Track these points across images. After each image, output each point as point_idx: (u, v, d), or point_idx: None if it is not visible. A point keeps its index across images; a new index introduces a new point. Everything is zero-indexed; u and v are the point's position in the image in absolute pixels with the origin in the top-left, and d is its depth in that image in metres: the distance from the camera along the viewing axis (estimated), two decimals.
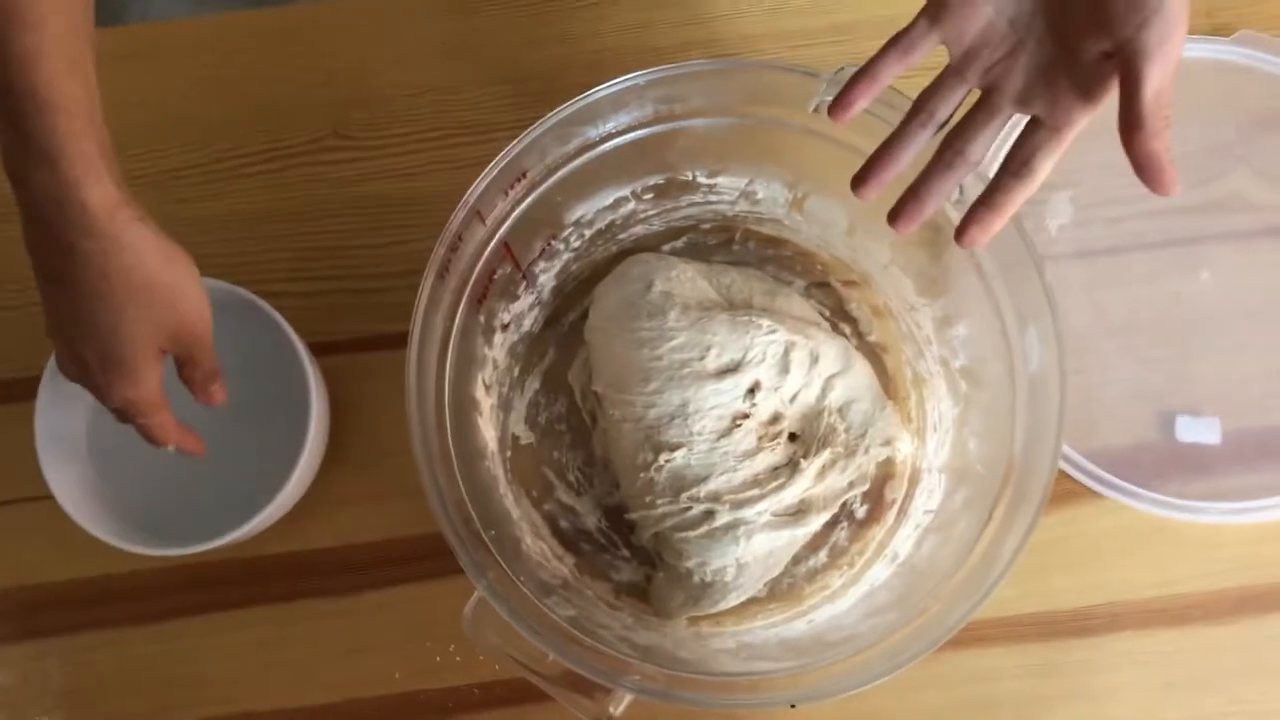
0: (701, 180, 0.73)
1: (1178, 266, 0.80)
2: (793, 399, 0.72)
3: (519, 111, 0.82)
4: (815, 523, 0.73)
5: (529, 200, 0.66)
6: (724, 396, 0.70)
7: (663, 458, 0.70)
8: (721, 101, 0.67)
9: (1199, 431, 0.77)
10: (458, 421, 0.64)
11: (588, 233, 0.74)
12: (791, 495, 0.71)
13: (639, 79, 0.63)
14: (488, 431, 0.72)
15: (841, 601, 0.71)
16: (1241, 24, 0.82)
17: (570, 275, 0.77)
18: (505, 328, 0.73)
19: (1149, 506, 0.75)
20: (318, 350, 0.76)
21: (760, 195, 0.74)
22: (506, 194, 0.65)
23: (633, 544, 0.75)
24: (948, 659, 0.74)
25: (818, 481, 0.72)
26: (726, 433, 0.70)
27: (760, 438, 0.71)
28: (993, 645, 0.75)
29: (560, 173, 0.66)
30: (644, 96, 0.64)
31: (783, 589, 0.74)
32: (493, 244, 0.66)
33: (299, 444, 0.69)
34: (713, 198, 0.75)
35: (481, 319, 0.69)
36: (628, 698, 0.58)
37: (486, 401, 0.72)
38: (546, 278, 0.75)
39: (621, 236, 0.76)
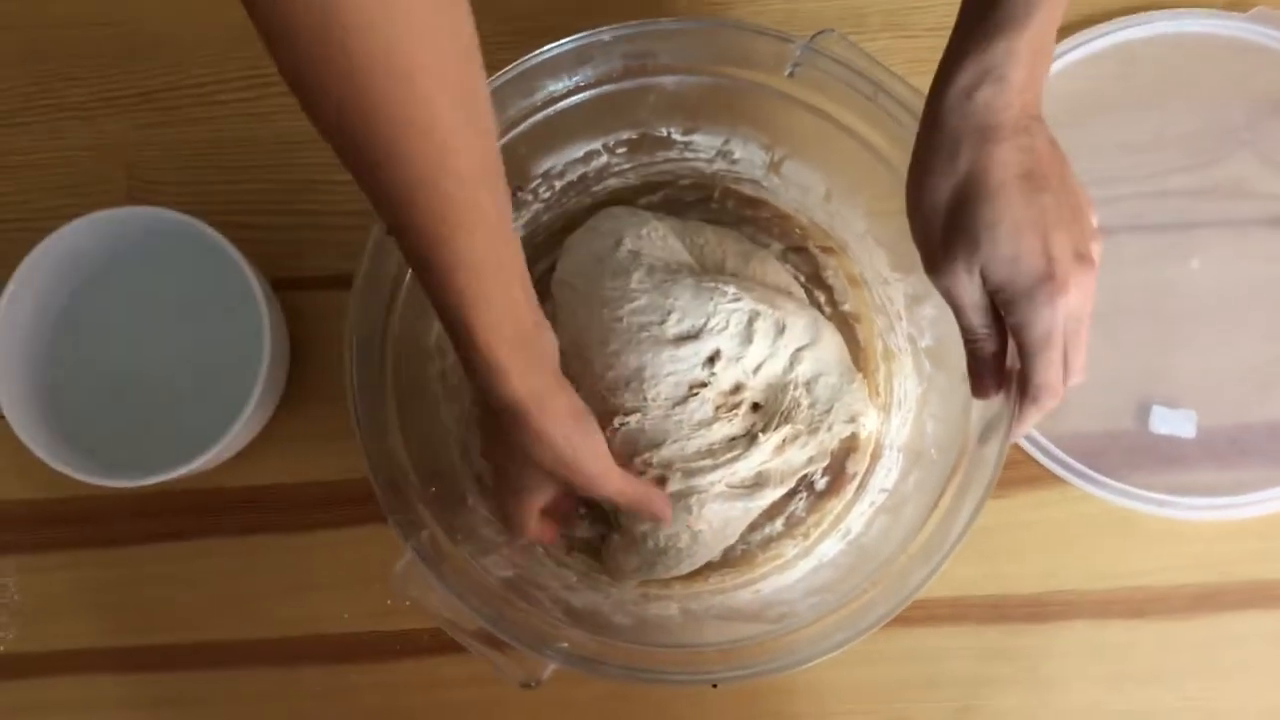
0: (676, 137, 0.71)
1: (1169, 252, 0.78)
2: (757, 370, 0.71)
3: (502, 53, 0.79)
4: (771, 496, 0.72)
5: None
6: (682, 364, 0.69)
7: (617, 421, 0.69)
8: (692, 60, 0.65)
9: (1174, 424, 0.75)
10: (407, 374, 0.64)
11: (558, 184, 0.72)
12: (746, 468, 0.70)
13: (604, 34, 0.61)
14: (431, 375, 0.71)
15: (791, 573, 0.71)
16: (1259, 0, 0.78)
17: (541, 226, 0.75)
18: None
19: (1115, 496, 0.74)
20: (283, 286, 0.75)
21: (738, 155, 0.72)
22: None
23: (589, 502, 0.74)
24: (897, 635, 0.74)
25: (775, 455, 0.71)
26: (682, 400, 0.69)
27: (718, 408, 0.70)
28: (944, 624, 0.75)
29: (523, 125, 0.65)
30: (610, 51, 0.62)
31: (735, 555, 0.74)
32: None
33: (253, 380, 0.69)
34: (689, 154, 0.73)
35: None
36: (552, 665, 0.58)
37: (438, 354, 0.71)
38: (514, 227, 0.73)
39: (596, 189, 0.75)
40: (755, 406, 0.72)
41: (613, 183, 0.75)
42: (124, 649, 0.75)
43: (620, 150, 0.71)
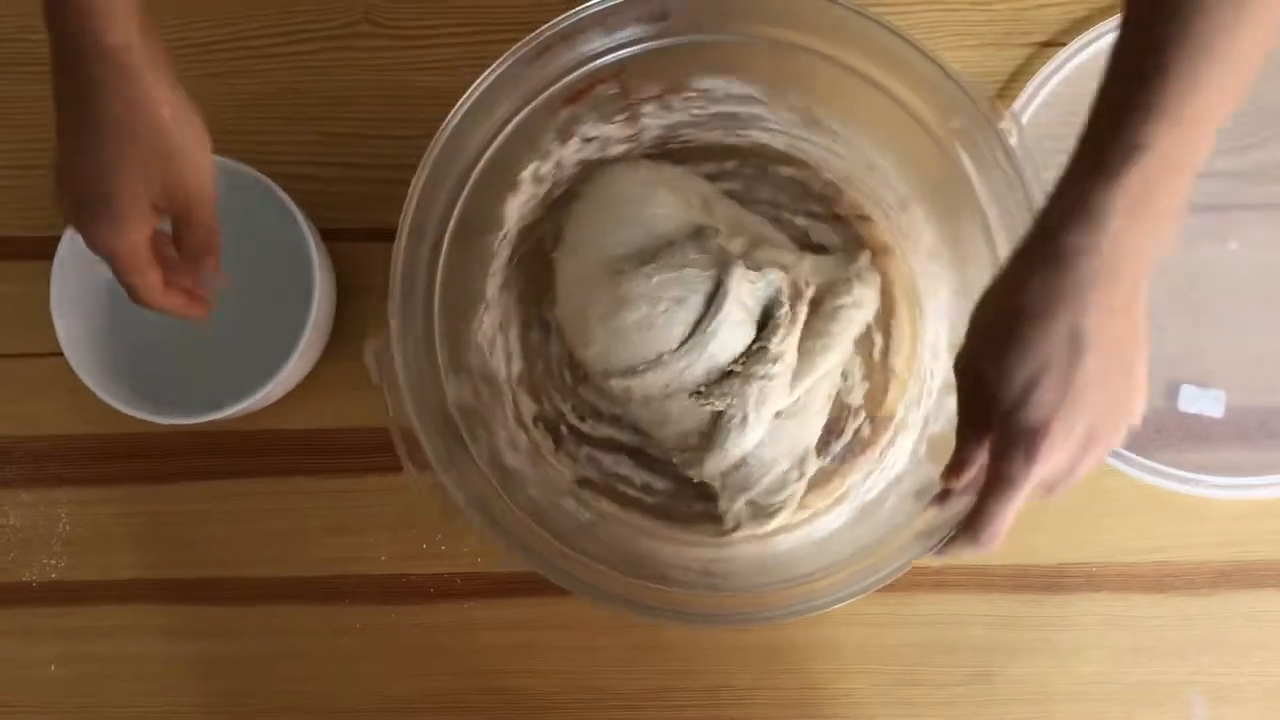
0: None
1: (1207, 233, 0.78)
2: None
3: (554, 13, 0.81)
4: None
5: (656, 44, 0.66)
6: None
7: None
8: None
9: (1203, 403, 0.76)
10: (480, 186, 0.67)
11: (712, 109, 0.73)
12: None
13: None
14: (510, 208, 0.73)
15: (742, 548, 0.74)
16: None
17: (678, 137, 0.77)
18: (588, 141, 0.74)
19: (1141, 472, 0.75)
20: (335, 237, 0.77)
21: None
22: (638, 24, 0.65)
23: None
24: (916, 600, 0.76)
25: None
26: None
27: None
28: (964, 592, 0.76)
29: (695, 35, 0.66)
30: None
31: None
32: (606, 59, 0.66)
33: (302, 326, 0.71)
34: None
35: (562, 117, 0.70)
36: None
37: (529, 189, 0.73)
38: (652, 122, 0.74)
39: (741, 132, 0.76)
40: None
41: (755, 133, 0.76)
42: (168, 581, 0.78)
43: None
